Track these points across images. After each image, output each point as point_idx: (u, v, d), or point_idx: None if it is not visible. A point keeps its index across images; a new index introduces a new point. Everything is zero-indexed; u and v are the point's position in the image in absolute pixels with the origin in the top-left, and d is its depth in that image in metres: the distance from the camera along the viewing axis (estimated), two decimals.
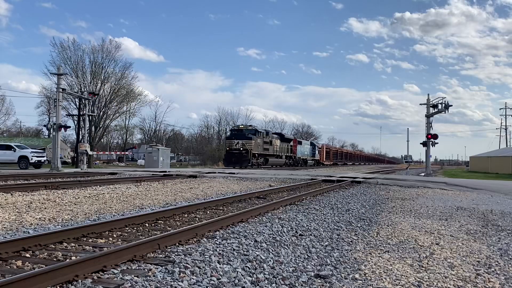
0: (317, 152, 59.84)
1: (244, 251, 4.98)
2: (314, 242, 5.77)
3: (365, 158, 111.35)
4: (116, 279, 3.78)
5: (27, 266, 4.17)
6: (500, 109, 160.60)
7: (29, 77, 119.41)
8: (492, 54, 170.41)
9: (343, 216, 8.23)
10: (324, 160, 65.11)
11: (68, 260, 4.26)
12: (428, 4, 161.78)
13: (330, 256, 5.03)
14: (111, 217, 7.40)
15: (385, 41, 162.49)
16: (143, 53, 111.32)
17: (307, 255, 5.05)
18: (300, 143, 52.53)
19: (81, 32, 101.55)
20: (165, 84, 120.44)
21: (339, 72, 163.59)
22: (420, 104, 31.21)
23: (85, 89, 37.68)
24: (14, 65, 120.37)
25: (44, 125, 51.87)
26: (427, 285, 4.07)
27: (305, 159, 53.83)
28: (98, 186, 12.99)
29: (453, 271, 4.59)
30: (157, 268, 4.12)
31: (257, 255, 4.83)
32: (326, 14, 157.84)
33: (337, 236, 6.24)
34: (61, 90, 25.60)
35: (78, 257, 4.33)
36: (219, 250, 4.96)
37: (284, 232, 6.24)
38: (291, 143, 48.57)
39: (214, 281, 3.84)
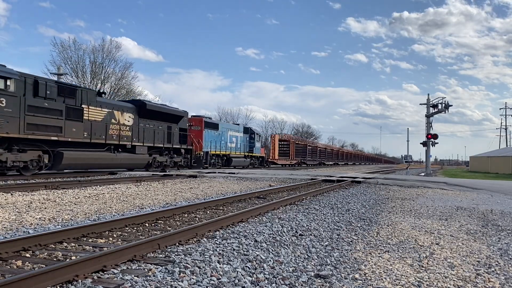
0: (258, 144, 38.98)
1: (244, 251, 4.98)
2: (314, 242, 5.77)
3: (358, 158, 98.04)
4: (116, 279, 3.78)
5: (27, 266, 4.17)
6: (500, 109, 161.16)
7: None
8: (491, 54, 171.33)
9: (343, 216, 8.23)
10: (278, 157, 45.18)
11: (68, 260, 4.26)
12: (426, 3, 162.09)
13: (330, 256, 5.03)
14: (111, 217, 7.40)
15: (384, 41, 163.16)
16: (142, 53, 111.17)
17: (307, 255, 5.05)
18: (212, 126, 30.31)
19: (79, 31, 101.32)
20: (164, 83, 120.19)
21: (338, 72, 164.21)
22: (420, 104, 31.35)
23: None
24: (13, 65, 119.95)
25: None
26: (427, 285, 4.07)
27: (226, 155, 32.14)
28: (98, 186, 12.99)
29: (453, 271, 4.59)
30: (157, 268, 4.12)
31: (257, 255, 4.83)
32: (324, 14, 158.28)
33: (337, 236, 6.24)
34: None
35: (78, 257, 4.32)
36: (219, 250, 4.95)
37: (284, 232, 6.24)
38: (181, 123, 24.62)
39: (214, 281, 3.84)
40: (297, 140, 55.46)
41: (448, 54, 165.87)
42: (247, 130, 38.03)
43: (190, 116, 28.27)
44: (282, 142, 48.85)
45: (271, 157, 43.92)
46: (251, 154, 37.31)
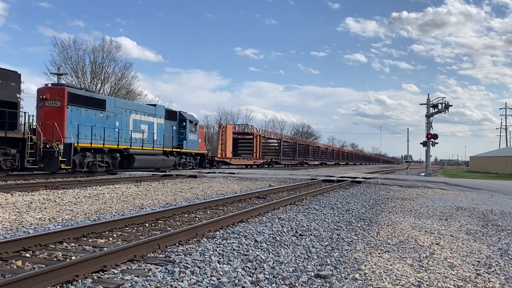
0: (193, 136, 26.56)
1: (244, 251, 4.98)
2: (314, 242, 5.77)
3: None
4: (116, 279, 3.78)
5: (27, 266, 4.17)
6: (500, 109, 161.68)
7: (27, 77, 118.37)
8: (490, 54, 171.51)
9: (343, 216, 8.23)
10: (231, 156, 34.42)
11: (68, 260, 4.27)
12: (425, 3, 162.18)
13: (330, 256, 5.03)
14: (111, 217, 7.40)
15: (383, 41, 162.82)
16: (141, 53, 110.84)
17: (307, 255, 5.05)
18: (90, 103, 18.63)
19: (79, 32, 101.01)
20: (163, 84, 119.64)
21: (337, 72, 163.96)
22: (420, 104, 31.41)
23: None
24: (12, 65, 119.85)
25: None
26: (427, 285, 4.07)
27: (121, 150, 20.37)
28: (98, 186, 12.99)
29: (453, 271, 4.59)
30: (157, 268, 4.12)
31: (257, 255, 4.83)
32: (323, 14, 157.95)
33: (337, 236, 6.24)
34: None
35: (78, 257, 4.33)
36: (219, 250, 4.96)
37: (284, 232, 6.24)
38: (2, 92, 14.22)
39: (214, 281, 3.84)
40: (266, 134, 43.74)
41: (447, 54, 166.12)
42: (173, 116, 25.11)
43: (44, 85, 18.00)
44: (240, 136, 38.09)
45: (220, 155, 32.52)
46: (179, 149, 25.19)
